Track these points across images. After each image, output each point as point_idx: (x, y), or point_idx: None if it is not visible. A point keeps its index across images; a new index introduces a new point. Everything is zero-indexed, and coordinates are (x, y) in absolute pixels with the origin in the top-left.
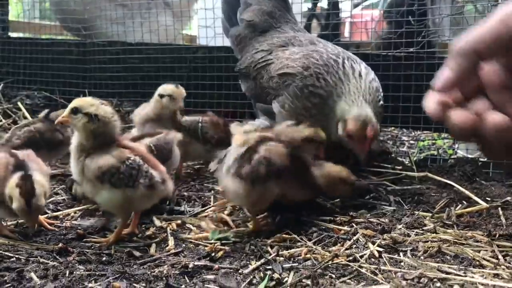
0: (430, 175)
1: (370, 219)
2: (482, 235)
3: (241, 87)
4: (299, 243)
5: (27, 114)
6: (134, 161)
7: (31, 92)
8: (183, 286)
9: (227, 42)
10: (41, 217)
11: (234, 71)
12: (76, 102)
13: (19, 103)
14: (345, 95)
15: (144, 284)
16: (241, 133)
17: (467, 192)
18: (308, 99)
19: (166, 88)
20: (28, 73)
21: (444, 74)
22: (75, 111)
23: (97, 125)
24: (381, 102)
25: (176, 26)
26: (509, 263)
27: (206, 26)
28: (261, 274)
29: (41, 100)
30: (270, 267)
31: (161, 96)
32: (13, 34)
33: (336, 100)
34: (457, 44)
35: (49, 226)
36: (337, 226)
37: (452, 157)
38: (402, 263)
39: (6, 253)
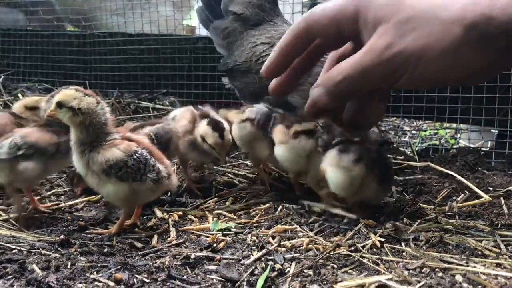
0: (432, 165)
1: (371, 209)
2: (484, 224)
3: (233, 84)
4: (300, 234)
5: None
6: (141, 154)
7: (32, 84)
8: (185, 277)
9: None
10: (41, 206)
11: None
12: (60, 96)
13: (19, 95)
14: None
15: (146, 275)
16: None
17: (469, 183)
18: None
19: (209, 135)
20: (29, 65)
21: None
22: (59, 105)
23: (82, 118)
24: None
25: (176, 17)
26: None
27: None
28: (263, 265)
29: (42, 92)
30: (271, 257)
31: (203, 139)
32: None
33: None
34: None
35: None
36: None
37: (454, 147)
38: (404, 253)
39: (8, 244)
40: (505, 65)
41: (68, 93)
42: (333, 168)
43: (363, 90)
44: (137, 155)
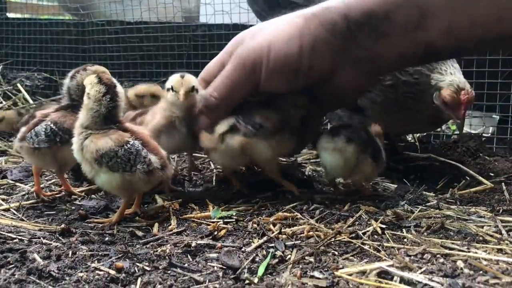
0: (433, 156)
1: (372, 196)
2: (486, 210)
3: None
4: (301, 221)
5: (27, 96)
6: (132, 145)
7: (31, 73)
8: (186, 264)
9: (227, 20)
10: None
11: None
12: (86, 78)
13: (18, 85)
14: (438, 66)
15: (147, 263)
16: None
17: (470, 171)
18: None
19: (171, 78)
20: (27, 54)
21: None
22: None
23: (88, 102)
24: None
25: (175, 4)
26: None
27: (205, 3)
28: (264, 252)
29: (41, 82)
30: (272, 244)
31: (171, 89)
32: (10, 15)
33: (429, 73)
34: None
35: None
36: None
37: (456, 133)
38: (405, 240)
39: (9, 234)
40: (365, 58)
41: (90, 77)
42: (327, 151)
43: (238, 90)
44: (128, 145)
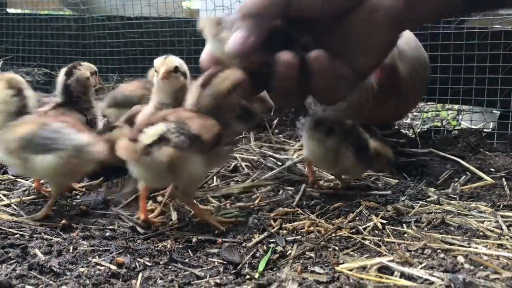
0: (433, 151)
1: (373, 191)
2: (486, 205)
3: None
4: (302, 216)
5: None
6: (51, 125)
7: (31, 69)
8: (186, 260)
9: None
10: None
11: None
12: None
13: None
14: None
15: (147, 259)
16: None
17: (471, 167)
18: None
19: (155, 62)
20: (27, 49)
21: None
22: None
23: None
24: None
25: None
26: None
27: None
28: (265, 247)
29: (41, 77)
30: (273, 240)
31: (155, 72)
32: (10, 10)
33: None
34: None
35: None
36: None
37: (456, 128)
38: (405, 235)
39: (10, 229)
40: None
41: None
42: (309, 140)
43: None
44: (47, 126)
